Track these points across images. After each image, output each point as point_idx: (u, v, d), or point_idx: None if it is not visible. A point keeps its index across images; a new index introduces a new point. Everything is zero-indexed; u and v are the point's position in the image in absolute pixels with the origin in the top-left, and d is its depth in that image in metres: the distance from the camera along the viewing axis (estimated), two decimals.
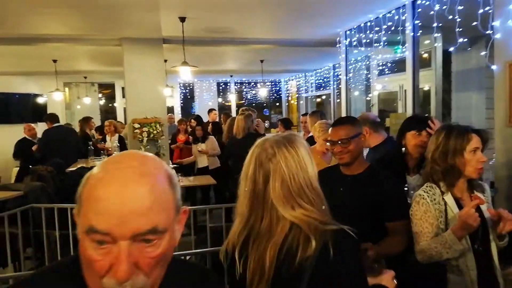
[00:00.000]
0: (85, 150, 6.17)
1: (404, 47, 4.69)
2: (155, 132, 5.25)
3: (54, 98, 8.24)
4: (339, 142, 1.91)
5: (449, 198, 1.75)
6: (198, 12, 4.32)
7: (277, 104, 13.65)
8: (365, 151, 4.25)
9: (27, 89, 9.71)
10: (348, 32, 5.23)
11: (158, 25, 4.68)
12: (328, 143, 2.03)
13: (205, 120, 8.70)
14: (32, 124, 6.49)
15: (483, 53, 2.92)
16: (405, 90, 6.70)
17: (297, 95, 12.24)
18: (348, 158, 1.92)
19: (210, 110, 9.02)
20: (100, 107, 12.34)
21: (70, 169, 4.98)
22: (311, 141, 4.00)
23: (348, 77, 5.49)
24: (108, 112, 12.19)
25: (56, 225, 3.35)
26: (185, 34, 4.80)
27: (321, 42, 5.92)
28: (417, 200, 1.78)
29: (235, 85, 12.58)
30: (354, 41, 5.07)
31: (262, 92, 9.92)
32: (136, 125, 5.23)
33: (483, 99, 6.27)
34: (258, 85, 12.08)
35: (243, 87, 12.86)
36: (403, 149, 2.38)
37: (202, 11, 4.31)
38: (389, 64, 7.01)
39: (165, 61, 6.77)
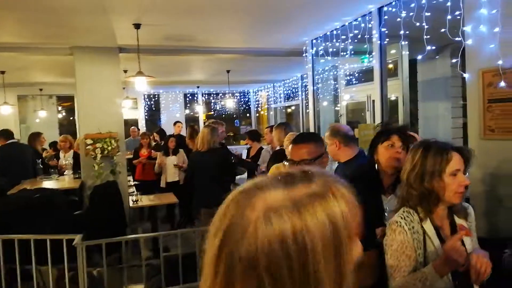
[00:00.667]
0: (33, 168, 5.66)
1: (371, 56, 4.58)
2: (109, 148, 4.84)
3: (2, 113, 7.61)
4: (300, 163, 1.67)
5: (428, 226, 1.51)
6: (154, 19, 4.01)
7: (248, 115, 13.45)
8: (334, 165, 4.03)
9: None
10: (314, 41, 5.06)
11: (111, 33, 4.33)
12: (286, 163, 1.78)
13: (170, 132, 8.35)
14: None
15: (454, 60, 2.76)
16: (373, 100, 6.62)
17: (267, 106, 12.07)
18: None
19: (175, 123, 8.66)
20: (59, 120, 11.68)
21: (12, 191, 4.48)
22: (280, 154, 3.74)
23: (316, 87, 5.31)
24: (69, 126, 11.52)
25: None
26: (142, 42, 4.46)
27: (288, 52, 5.73)
28: (393, 228, 1.53)
29: (202, 96, 12.27)
30: (320, 50, 4.91)
31: (229, 103, 9.66)
32: (89, 141, 4.80)
33: (449, 108, 6.28)
34: (227, 95, 11.84)
35: (211, 98, 12.56)
36: (376, 165, 2.14)
37: (158, 17, 4.00)
38: (356, 74, 6.94)
39: (125, 71, 6.40)
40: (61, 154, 6.58)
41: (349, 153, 2.65)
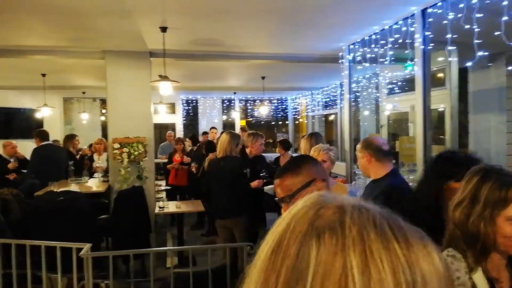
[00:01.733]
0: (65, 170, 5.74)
1: (414, 62, 4.16)
2: (136, 153, 4.78)
3: (44, 114, 7.91)
4: (283, 200, 1.45)
5: (479, 277, 1.15)
6: (180, 21, 3.89)
7: (286, 122, 13.20)
8: (368, 180, 3.67)
9: (26, 104, 9.50)
10: (351, 47, 4.72)
11: (139, 36, 4.27)
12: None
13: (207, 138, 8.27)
14: (14, 141, 6.14)
15: (510, 68, 2.35)
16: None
17: (306, 114, 11.77)
18: None
19: (210, 128, 8.57)
20: (102, 123, 12.06)
21: (38, 193, 4.54)
22: None
23: (353, 96, 4.95)
24: None
25: None
26: (171, 47, 4.37)
27: (322, 58, 5.42)
28: None
29: (240, 102, 12.19)
30: (358, 56, 4.57)
31: (263, 110, 9.44)
32: (116, 145, 4.77)
33: (504, 122, 5.67)
34: (261, 102, 11.67)
35: (248, 104, 12.45)
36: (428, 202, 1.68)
37: (184, 20, 3.88)
38: (399, 82, 6.49)
39: (160, 76, 6.39)
40: (95, 156, 6.68)
41: (381, 170, 2.34)
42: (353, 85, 4.98)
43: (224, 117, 12.50)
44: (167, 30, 3.94)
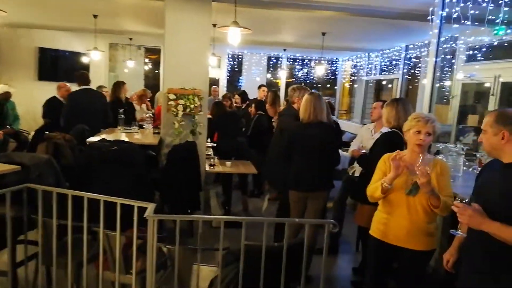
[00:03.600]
0: (114, 118, 5.47)
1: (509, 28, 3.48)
2: (192, 106, 4.43)
3: (93, 58, 7.65)
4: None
5: None
6: None
7: (328, 85, 12.51)
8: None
9: (73, 47, 9.30)
10: (447, 1, 4.02)
11: None
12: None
13: (253, 96, 7.80)
14: (68, 84, 5.91)
15: None
16: (502, 83, 5.43)
17: (353, 78, 11.02)
18: None
19: (260, 86, 8.05)
20: (145, 72, 11.84)
21: (91, 139, 4.31)
22: (391, 138, 3.00)
23: (437, 60, 4.31)
24: (154, 79, 11.63)
25: (54, 213, 2.64)
26: None
27: (407, 14, 4.73)
28: None
29: (287, 60, 11.56)
30: (455, 12, 3.87)
31: (319, 71, 8.74)
32: (172, 96, 4.42)
33: None
34: (313, 63, 10.97)
35: (296, 63, 11.77)
36: None
37: None
38: (483, 49, 5.69)
39: (214, 25, 5.90)
40: (137, 106, 6.42)
41: None
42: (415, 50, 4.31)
43: (268, 75, 11.95)
44: None
